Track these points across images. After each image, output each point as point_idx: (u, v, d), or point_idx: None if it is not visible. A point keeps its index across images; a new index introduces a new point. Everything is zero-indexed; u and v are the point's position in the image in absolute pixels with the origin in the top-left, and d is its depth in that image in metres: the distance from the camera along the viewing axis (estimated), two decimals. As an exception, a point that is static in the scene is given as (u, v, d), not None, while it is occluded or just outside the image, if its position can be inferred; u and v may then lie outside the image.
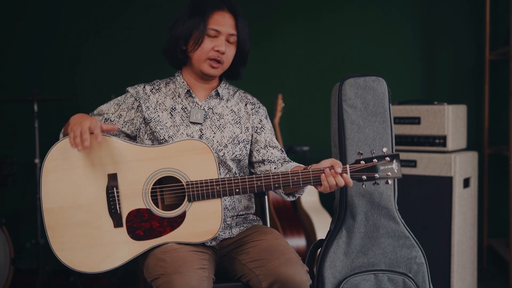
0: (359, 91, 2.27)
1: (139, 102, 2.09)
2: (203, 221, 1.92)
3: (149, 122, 2.07)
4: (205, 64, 2.06)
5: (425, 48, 3.94)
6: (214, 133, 2.08)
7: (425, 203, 3.09)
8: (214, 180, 1.91)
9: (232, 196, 2.07)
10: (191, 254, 1.87)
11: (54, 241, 1.91)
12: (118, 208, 1.91)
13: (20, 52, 4.33)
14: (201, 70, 2.08)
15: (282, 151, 2.17)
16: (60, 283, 3.44)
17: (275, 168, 2.11)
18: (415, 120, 3.18)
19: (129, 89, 2.14)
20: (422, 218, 3.07)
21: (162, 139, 2.04)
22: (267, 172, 2.11)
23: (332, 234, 2.25)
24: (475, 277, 3.31)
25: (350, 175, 1.91)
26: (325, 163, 1.91)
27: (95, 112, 2.15)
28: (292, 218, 3.65)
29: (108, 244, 1.91)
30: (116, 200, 1.91)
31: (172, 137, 2.04)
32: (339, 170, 1.88)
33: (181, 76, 2.14)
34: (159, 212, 1.92)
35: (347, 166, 1.92)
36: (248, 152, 2.13)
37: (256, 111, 2.17)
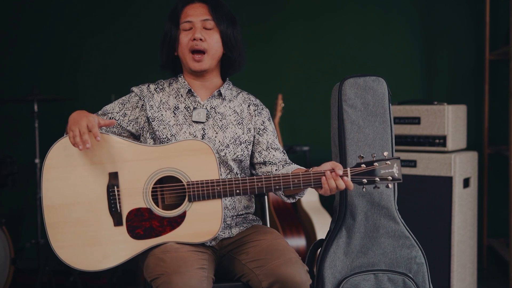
0: (359, 91, 2.27)
1: (144, 100, 2.10)
2: (203, 221, 1.92)
3: (152, 121, 2.07)
4: (189, 59, 2.07)
5: (425, 48, 3.94)
6: (216, 133, 2.08)
7: (425, 203, 3.09)
8: (215, 180, 1.91)
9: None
10: (190, 254, 1.87)
11: (54, 239, 1.91)
12: (118, 206, 1.92)
13: (20, 52, 4.33)
14: (189, 67, 2.09)
15: (284, 153, 2.18)
16: (60, 283, 3.44)
17: (276, 170, 2.11)
18: (415, 120, 3.18)
19: (134, 88, 2.15)
20: (422, 218, 3.07)
21: (165, 138, 2.04)
22: (269, 173, 2.12)
23: (332, 234, 2.26)
24: (475, 277, 3.31)
25: (351, 178, 1.91)
26: (326, 165, 1.91)
27: (99, 112, 2.16)
28: (292, 218, 3.65)
29: (107, 242, 1.91)
30: (117, 198, 1.92)
31: (175, 136, 2.05)
32: (340, 172, 1.88)
33: (182, 76, 2.15)
34: (159, 211, 1.92)
35: (348, 169, 1.92)
36: (249, 153, 2.13)
37: (259, 113, 2.17)
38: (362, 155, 1.95)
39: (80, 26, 4.29)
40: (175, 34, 2.10)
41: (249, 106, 2.17)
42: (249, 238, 2.04)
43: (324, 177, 1.89)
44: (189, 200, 1.91)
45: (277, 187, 1.92)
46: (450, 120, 3.11)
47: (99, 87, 4.26)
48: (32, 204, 3.58)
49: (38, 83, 4.17)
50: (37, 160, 3.48)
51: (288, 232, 3.58)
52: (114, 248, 1.91)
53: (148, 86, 2.15)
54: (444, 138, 3.12)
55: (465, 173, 3.15)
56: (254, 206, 2.19)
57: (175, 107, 2.10)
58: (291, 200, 2.08)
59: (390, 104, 2.28)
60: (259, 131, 2.15)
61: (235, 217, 2.10)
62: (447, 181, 3.06)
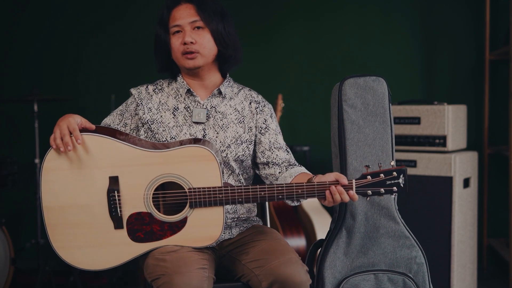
0: (359, 91, 2.27)
1: (141, 103, 2.09)
2: (204, 227, 1.91)
3: (152, 124, 2.06)
4: (183, 59, 2.05)
5: (425, 48, 3.94)
6: (217, 133, 2.06)
7: (425, 203, 3.09)
8: (217, 188, 1.89)
9: None
10: (191, 254, 1.87)
11: (55, 239, 1.91)
12: (119, 211, 1.90)
13: (21, 52, 4.33)
14: (184, 66, 2.07)
15: (288, 152, 2.15)
16: (60, 283, 3.44)
17: (279, 172, 2.09)
18: (415, 120, 3.18)
19: (132, 90, 2.13)
20: (422, 218, 3.07)
21: (164, 141, 2.03)
22: (272, 175, 2.10)
23: (332, 234, 2.25)
24: (475, 277, 3.31)
25: (356, 190, 1.87)
26: (330, 176, 1.87)
27: (101, 125, 2.13)
28: (292, 218, 3.65)
29: (108, 244, 1.91)
30: (117, 203, 1.90)
31: (175, 138, 2.03)
32: (345, 182, 1.85)
33: (181, 76, 2.14)
34: (160, 216, 1.91)
35: (353, 181, 1.87)
36: (251, 153, 2.11)
37: (261, 110, 2.13)
38: (368, 164, 1.92)
39: (81, 26, 4.29)
40: (165, 39, 2.07)
41: (250, 103, 2.14)
42: (249, 238, 2.04)
43: (328, 191, 1.86)
44: (191, 207, 1.90)
45: (280, 196, 1.88)
46: (450, 120, 3.11)
47: (99, 87, 4.26)
48: (32, 204, 3.58)
49: (39, 83, 4.17)
50: (37, 160, 3.48)
51: (288, 232, 3.58)
52: (115, 249, 1.91)
53: (147, 87, 2.13)
54: (444, 138, 3.12)
55: (465, 173, 3.15)
56: (256, 210, 2.19)
57: (174, 108, 2.08)
58: (296, 203, 2.05)
59: (390, 104, 2.28)
60: (260, 130, 2.11)
61: (236, 219, 2.10)
62: (447, 181, 3.06)
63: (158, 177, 1.90)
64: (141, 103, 2.09)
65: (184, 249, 1.89)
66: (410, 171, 3.15)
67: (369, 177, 1.89)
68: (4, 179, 3.27)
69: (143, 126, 2.07)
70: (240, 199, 1.89)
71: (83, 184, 1.90)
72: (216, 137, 2.05)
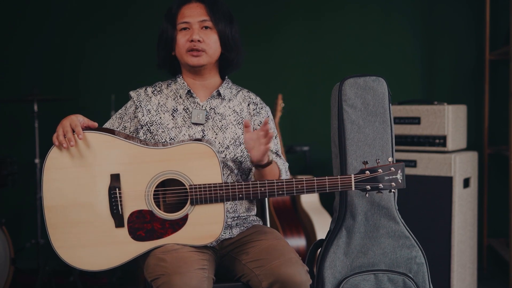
0: (359, 91, 2.27)
1: (140, 106, 2.09)
2: (205, 224, 1.91)
3: (151, 125, 2.06)
4: (187, 56, 2.06)
5: (425, 48, 3.94)
6: (216, 134, 2.07)
7: (425, 203, 3.09)
8: (217, 184, 1.90)
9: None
10: (191, 254, 1.87)
11: (55, 239, 1.91)
12: (120, 209, 1.91)
13: (21, 52, 4.33)
14: (187, 63, 2.07)
15: (279, 156, 2.16)
16: (60, 283, 3.44)
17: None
18: (415, 120, 3.18)
19: (131, 93, 2.14)
20: (422, 218, 3.07)
21: (164, 142, 2.03)
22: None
23: (332, 234, 2.26)
24: (475, 277, 3.31)
25: (355, 185, 1.91)
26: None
27: None
28: (292, 218, 3.65)
29: (109, 243, 1.91)
30: (118, 201, 1.91)
31: (174, 139, 2.04)
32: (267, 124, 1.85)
33: (181, 77, 2.14)
34: (161, 214, 1.92)
35: (352, 175, 1.92)
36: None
37: (258, 112, 2.15)
38: (366, 160, 1.95)
39: (81, 26, 4.29)
40: (172, 34, 2.08)
41: (248, 105, 2.15)
42: (249, 238, 2.04)
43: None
44: (192, 204, 1.91)
45: (280, 192, 1.91)
46: (450, 120, 3.11)
47: (100, 87, 4.26)
48: (32, 204, 3.57)
49: (39, 83, 4.17)
50: (37, 160, 3.48)
51: (288, 232, 3.58)
52: (116, 249, 1.91)
53: (146, 89, 2.14)
54: (444, 138, 3.12)
55: (465, 173, 3.15)
56: (255, 209, 2.19)
57: (173, 109, 2.09)
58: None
59: (390, 104, 2.28)
60: None
61: (236, 218, 2.10)
62: (447, 181, 3.06)
63: (159, 174, 1.91)
64: (140, 106, 2.10)
65: (184, 248, 1.89)
66: (410, 171, 3.16)
67: (367, 172, 1.92)
68: (4, 179, 3.27)
69: (142, 128, 2.07)
70: (240, 195, 1.90)
71: (84, 182, 1.91)
72: (215, 138, 2.06)
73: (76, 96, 4.08)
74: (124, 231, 1.91)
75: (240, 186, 1.90)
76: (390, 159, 1.96)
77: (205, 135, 2.06)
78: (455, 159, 3.06)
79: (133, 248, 1.91)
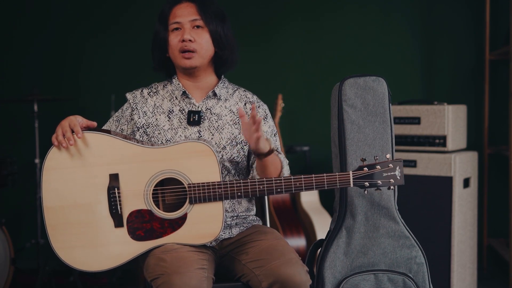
0: (359, 91, 2.27)
1: (136, 108, 2.09)
2: (204, 223, 1.92)
3: (147, 127, 2.07)
4: (180, 58, 2.06)
5: (425, 48, 3.94)
6: (213, 134, 2.07)
7: (425, 203, 3.09)
8: (216, 183, 1.90)
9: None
10: (191, 254, 1.87)
11: (55, 240, 1.91)
12: (119, 208, 1.91)
13: (21, 52, 4.33)
14: (179, 65, 2.07)
15: (280, 153, 2.15)
16: (60, 283, 3.44)
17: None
18: (415, 120, 3.18)
19: (127, 95, 2.14)
20: (422, 218, 3.07)
21: (160, 144, 2.03)
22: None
23: (332, 234, 2.26)
24: (475, 277, 3.31)
25: (353, 182, 1.91)
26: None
27: None
28: (292, 218, 3.65)
29: (108, 243, 1.91)
30: (117, 200, 1.91)
31: (170, 141, 2.04)
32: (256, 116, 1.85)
33: (176, 78, 2.14)
34: (160, 213, 1.92)
35: (350, 172, 1.92)
36: (246, 154, 2.11)
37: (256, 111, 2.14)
38: (364, 157, 1.95)
39: (81, 26, 4.29)
40: (164, 35, 2.08)
41: (245, 104, 2.15)
42: (249, 238, 2.04)
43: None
44: (190, 202, 1.91)
45: (279, 190, 1.91)
46: (450, 120, 3.11)
47: (100, 87, 4.26)
48: (32, 204, 3.57)
49: (39, 83, 4.17)
50: (37, 160, 3.48)
51: (288, 232, 3.58)
52: (115, 249, 1.91)
53: (142, 91, 2.14)
54: (444, 138, 3.12)
55: (465, 173, 3.15)
56: (255, 208, 2.19)
57: (169, 110, 2.09)
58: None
59: (390, 104, 2.28)
60: None
61: (235, 217, 2.10)
62: (447, 181, 3.06)
63: (157, 173, 1.92)
64: (136, 108, 2.10)
65: (184, 248, 1.89)
66: (410, 171, 3.16)
67: (365, 168, 1.93)
68: (4, 179, 3.27)
69: (138, 130, 2.08)
70: (239, 193, 1.91)
71: (83, 183, 1.91)
72: (212, 138, 2.06)
73: (76, 96, 4.08)
74: (124, 231, 1.91)
75: (238, 184, 1.90)
76: (388, 155, 1.96)
77: (201, 136, 2.06)
78: (455, 159, 3.06)
79: (132, 248, 1.91)
